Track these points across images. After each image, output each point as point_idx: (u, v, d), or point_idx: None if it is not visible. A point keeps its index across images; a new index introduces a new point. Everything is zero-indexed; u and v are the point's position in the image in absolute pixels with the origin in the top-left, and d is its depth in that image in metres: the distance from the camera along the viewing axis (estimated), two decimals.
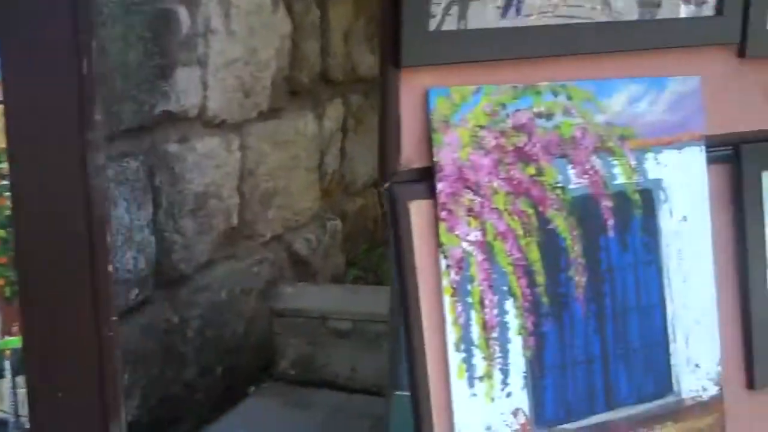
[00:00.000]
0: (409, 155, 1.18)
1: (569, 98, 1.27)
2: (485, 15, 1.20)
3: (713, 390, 1.39)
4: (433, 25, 1.16)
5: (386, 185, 1.17)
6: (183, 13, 2.35)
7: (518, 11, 1.22)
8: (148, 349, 2.18)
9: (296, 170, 3.06)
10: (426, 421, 1.18)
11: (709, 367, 1.39)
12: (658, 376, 1.35)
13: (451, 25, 1.18)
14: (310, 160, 3.16)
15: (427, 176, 1.18)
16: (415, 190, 1.18)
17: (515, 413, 1.23)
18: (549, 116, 1.26)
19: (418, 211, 1.18)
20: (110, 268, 1.16)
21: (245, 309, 2.70)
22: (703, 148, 1.38)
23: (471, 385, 1.20)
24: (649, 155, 1.34)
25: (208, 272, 2.49)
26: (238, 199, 2.65)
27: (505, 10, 1.21)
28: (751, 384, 1.45)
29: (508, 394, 1.23)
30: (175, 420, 2.32)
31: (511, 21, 1.22)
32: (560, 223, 1.27)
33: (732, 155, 1.42)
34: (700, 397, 1.38)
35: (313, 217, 3.21)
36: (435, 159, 1.18)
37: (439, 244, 1.18)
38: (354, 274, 3.43)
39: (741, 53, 1.40)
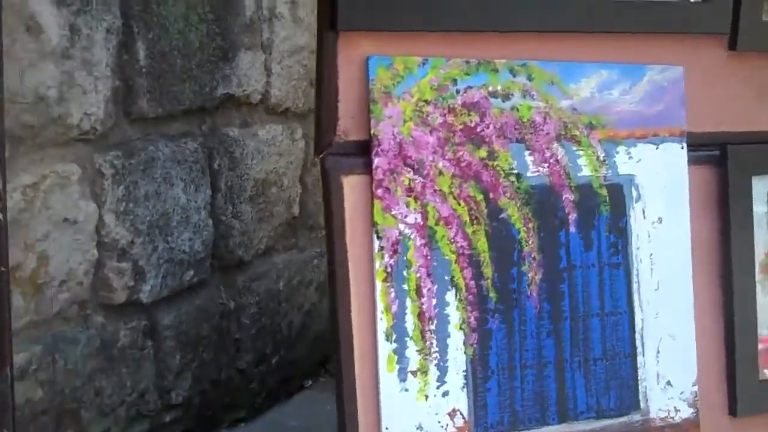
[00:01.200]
0: (347, 126, 1.14)
1: (530, 79, 1.22)
2: None
3: (687, 412, 1.31)
4: None
5: (320, 157, 1.14)
6: None
7: None
8: (201, 332, 2.20)
9: None
10: (350, 417, 1.13)
11: (683, 386, 1.31)
12: (623, 390, 1.27)
13: None
14: None
15: (366, 151, 1.15)
16: (350, 164, 1.14)
17: (452, 414, 1.17)
18: (506, 96, 1.21)
19: (352, 186, 1.14)
20: None
21: (304, 301, 2.70)
22: (684, 145, 1.31)
23: (402, 379, 1.15)
24: (621, 148, 1.28)
25: (267, 260, 2.50)
26: (300, 188, 2.67)
27: None
28: (733, 411, 1.36)
29: (445, 393, 1.17)
30: (228, 406, 2.32)
31: None
32: (513, 212, 1.21)
33: (718, 157, 1.35)
34: (672, 418, 1.30)
35: None
36: (372, 132, 1.14)
37: (373, 224, 1.14)
38: None
39: (731, 45, 1.34)
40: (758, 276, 1.36)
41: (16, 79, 1.49)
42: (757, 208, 1.36)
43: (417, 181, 1.16)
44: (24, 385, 1.60)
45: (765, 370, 1.37)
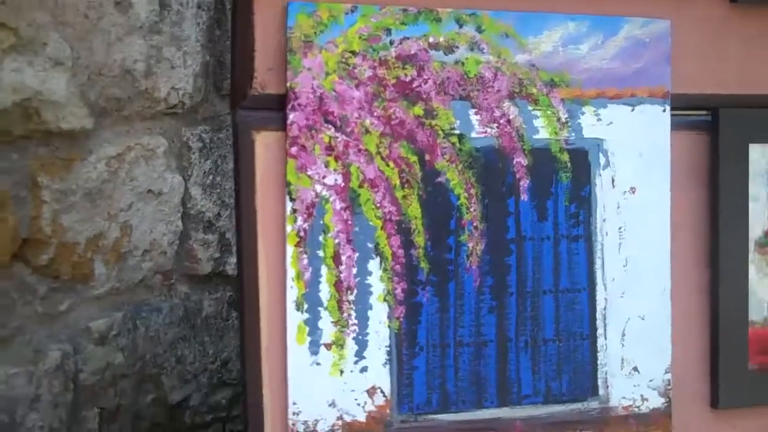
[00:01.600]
0: (264, 79, 1.07)
1: (479, 30, 1.12)
2: None
3: (657, 402, 1.20)
4: None
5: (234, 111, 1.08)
6: None
7: None
8: None
9: None
10: (254, 392, 1.08)
11: (653, 373, 1.20)
12: (579, 375, 1.17)
13: None
14: None
15: (283, 106, 1.07)
16: (265, 119, 1.07)
17: (371, 392, 1.11)
18: (449, 49, 1.11)
19: (265, 143, 1.07)
20: None
21: None
22: (668, 108, 1.18)
23: (314, 352, 1.09)
24: (588, 109, 1.16)
25: None
26: None
27: None
28: (714, 402, 1.24)
29: (364, 369, 1.10)
30: None
31: None
32: (453, 176, 1.12)
33: (709, 122, 1.21)
34: (637, 407, 1.19)
35: None
36: (289, 84, 1.06)
37: (285, 184, 1.07)
38: None
39: None
40: (752, 256, 1.23)
41: (103, 52, 1.52)
42: (754, 180, 1.22)
43: (339, 139, 1.08)
44: (104, 350, 1.66)
45: (754, 362, 1.24)
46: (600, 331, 1.18)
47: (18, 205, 1.44)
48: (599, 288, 1.18)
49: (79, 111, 1.49)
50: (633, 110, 1.17)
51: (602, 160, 1.17)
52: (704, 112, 1.21)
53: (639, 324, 1.19)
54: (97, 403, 1.72)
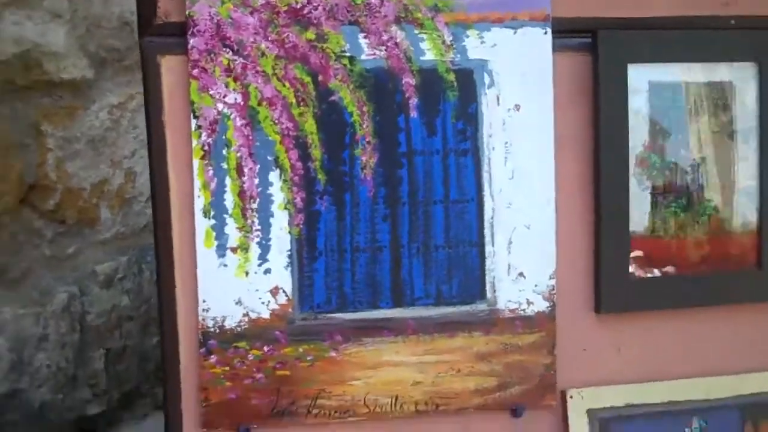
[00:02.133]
0: (167, 8, 1.21)
1: None
2: None
3: (542, 305, 1.33)
4: None
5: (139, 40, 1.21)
6: None
7: None
8: None
9: None
10: (167, 292, 1.22)
11: (538, 279, 1.33)
12: (468, 280, 1.31)
13: None
14: None
15: (185, 32, 1.21)
16: (169, 44, 1.20)
17: (274, 292, 1.24)
18: None
19: (170, 67, 1.20)
20: None
21: None
22: (549, 30, 1.30)
23: (221, 255, 1.23)
24: (471, 32, 1.28)
25: None
26: None
27: None
28: (597, 307, 1.37)
29: (267, 271, 1.24)
30: None
31: None
32: (345, 95, 1.25)
33: (591, 44, 1.34)
34: (522, 310, 1.33)
35: None
36: (188, 12, 1.20)
37: (190, 103, 1.21)
38: None
39: None
40: (633, 169, 1.35)
41: (101, 5, 1.62)
42: (633, 98, 1.34)
43: (237, 61, 1.21)
44: (110, 293, 1.79)
45: (635, 268, 1.37)
46: (488, 239, 1.31)
47: (23, 152, 1.55)
48: (487, 199, 1.31)
49: (79, 62, 1.60)
50: (515, 33, 1.29)
51: (487, 80, 1.29)
52: (585, 34, 1.33)
53: (525, 233, 1.32)
54: (103, 344, 1.85)
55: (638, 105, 1.35)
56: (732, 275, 1.40)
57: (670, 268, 1.38)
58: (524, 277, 1.32)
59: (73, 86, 1.59)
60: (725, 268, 1.40)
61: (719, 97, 1.37)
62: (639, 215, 1.36)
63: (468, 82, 1.29)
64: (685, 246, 1.38)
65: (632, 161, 1.35)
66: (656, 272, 1.38)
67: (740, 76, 1.37)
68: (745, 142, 1.38)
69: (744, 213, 1.39)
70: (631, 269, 1.36)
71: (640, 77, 1.35)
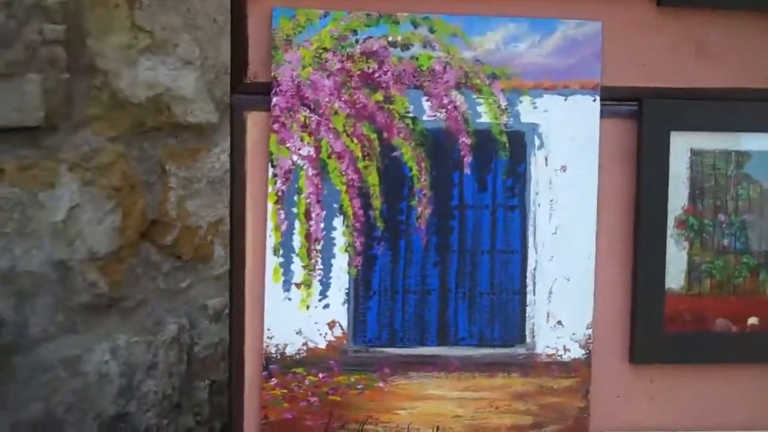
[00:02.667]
0: (256, 69, 1.39)
1: (431, 31, 1.41)
2: None
3: (578, 353, 1.47)
4: None
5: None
6: None
7: None
8: None
9: None
10: (238, 320, 1.40)
11: (576, 328, 1.47)
12: (509, 325, 1.46)
13: None
14: None
15: (269, 91, 1.39)
16: (255, 102, 1.38)
17: (331, 325, 1.41)
18: (405, 46, 1.40)
19: (254, 121, 1.38)
20: None
21: None
22: (597, 98, 1.45)
23: (286, 289, 1.40)
24: (525, 98, 1.43)
25: None
26: None
27: None
28: (632, 358, 1.50)
29: (326, 306, 1.41)
30: None
31: None
32: (407, 151, 1.42)
33: (636, 110, 1.47)
34: (560, 356, 1.47)
35: None
36: (273, 74, 1.37)
37: (269, 154, 1.39)
38: None
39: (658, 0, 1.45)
40: (671, 231, 1.49)
41: (229, 53, 1.80)
42: (675, 163, 1.47)
43: (312, 118, 1.39)
44: (218, 327, 2.00)
45: (669, 323, 1.50)
46: (529, 288, 1.46)
47: (147, 190, 1.75)
48: (530, 251, 1.46)
49: (206, 106, 1.80)
50: (566, 100, 1.44)
51: (537, 142, 1.44)
52: (631, 103, 1.47)
53: (565, 284, 1.46)
54: (208, 375, 2.04)
55: (679, 170, 1.48)
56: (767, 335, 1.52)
57: (704, 325, 1.51)
58: (562, 325, 1.47)
59: (197, 129, 1.77)
60: (761, 328, 1.52)
61: (758, 165, 1.49)
62: (675, 273, 1.49)
63: (519, 143, 1.44)
64: (720, 305, 1.51)
65: (671, 222, 1.48)
66: (691, 328, 1.50)
67: None
68: None
69: None
70: (665, 324, 1.49)
71: (683, 144, 1.48)
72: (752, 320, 1.52)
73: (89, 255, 2.10)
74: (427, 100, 1.41)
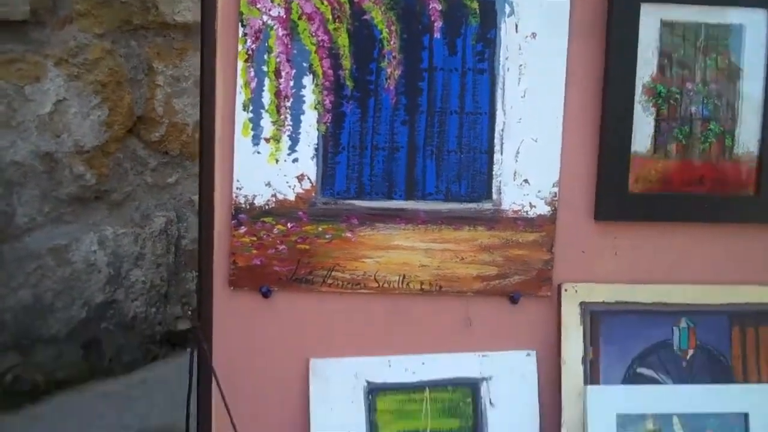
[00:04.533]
0: None
1: None
2: None
3: (544, 209, 1.63)
4: None
5: None
6: None
7: None
8: None
9: None
10: (207, 171, 1.57)
11: (542, 186, 1.62)
12: (476, 182, 1.61)
13: None
14: None
15: None
16: None
17: (300, 178, 1.59)
18: None
19: None
20: None
21: None
22: None
23: (256, 143, 1.57)
24: None
25: None
26: None
27: None
28: (597, 215, 1.66)
29: (295, 160, 1.58)
30: None
31: None
32: (377, 15, 1.54)
33: None
34: (525, 212, 1.63)
35: None
36: None
37: (239, 14, 1.53)
38: None
39: None
40: (638, 96, 1.61)
41: None
42: (645, 33, 1.58)
43: None
44: None
45: (633, 184, 1.64)
46: (497, 147, 1.61)
47: (135, 87, 1.88)
48: (499, 113, 1.60)
49: (192, 6, 1.90)
50: None
51: (507, 9, 1.56)
52: None
53: (532, 144, 1.61)
54: (195, 266, 2.24)
55: (649, 40, 1.59)
56: (729, 198, 1.66)
57: (668, 186, 1.65)
58: (529, 183, 1.62)
59: (185, 28, 1.88)
60: (723, 191, 1.66)
61: (729, 38, 1.59)
62: (642, 138, 1.63)
63: (490, 10, 1.56)
64: (684, 168, 1.65)
65: (639, 89, 1.61)
66: (654, 189, 1.65)
67: (751, 20, 1.58)
68: (750, 80, 1.61)
69: (746, 143, 1.64)
70: (630, 184, 1.64)
71: (653, 14, 1.58)
72: (714, 183, 1.66)
73: (76, 147, 2.29)
74: None
